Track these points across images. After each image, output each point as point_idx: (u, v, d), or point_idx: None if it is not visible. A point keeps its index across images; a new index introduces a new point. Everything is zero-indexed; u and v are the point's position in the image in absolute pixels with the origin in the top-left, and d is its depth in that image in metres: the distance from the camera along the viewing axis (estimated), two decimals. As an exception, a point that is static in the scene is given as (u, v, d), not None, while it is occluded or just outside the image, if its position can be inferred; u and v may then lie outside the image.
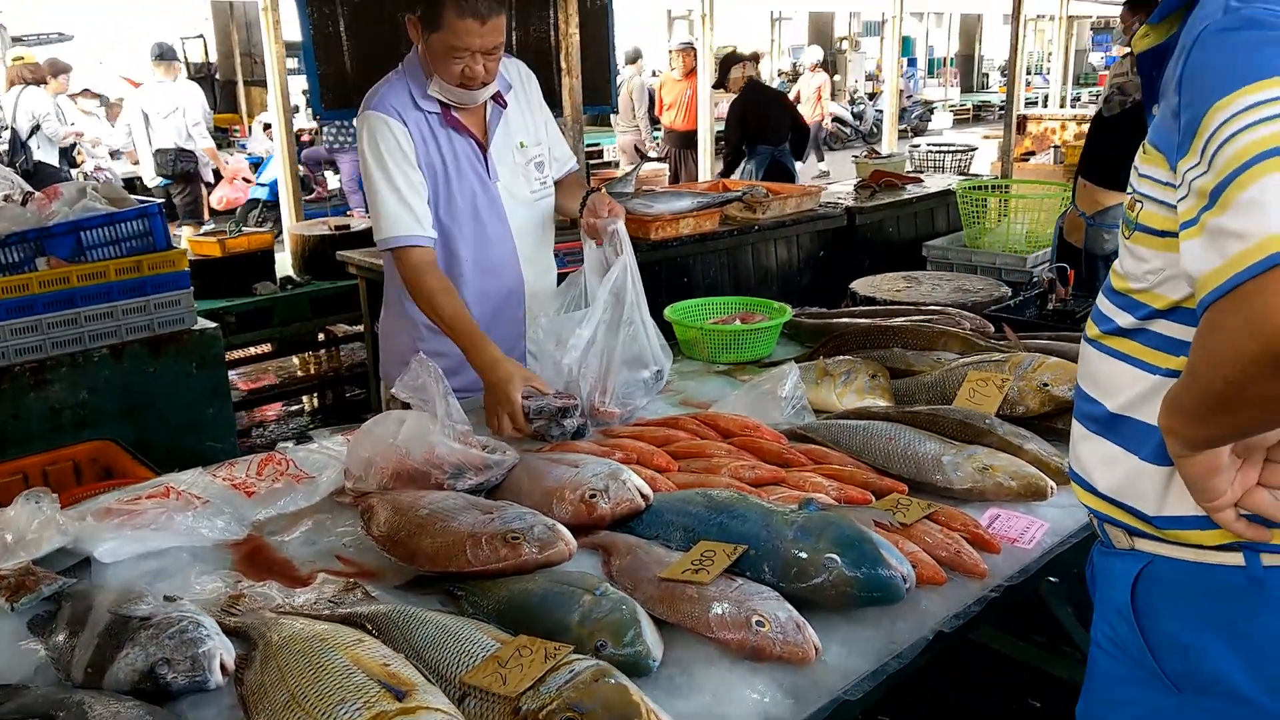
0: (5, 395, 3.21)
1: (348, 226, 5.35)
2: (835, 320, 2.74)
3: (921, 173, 6.92)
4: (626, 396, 2.21)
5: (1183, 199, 0.98)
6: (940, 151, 7.98)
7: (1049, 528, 1.64)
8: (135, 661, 1.25)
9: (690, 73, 8.77)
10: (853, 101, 19.21)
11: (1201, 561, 1.14)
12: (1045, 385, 1.97)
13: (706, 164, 8.50)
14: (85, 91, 8.72)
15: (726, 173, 7.56)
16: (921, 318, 2.61)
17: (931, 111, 20.41)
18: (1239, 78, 0.91)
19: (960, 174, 7.38)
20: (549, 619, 1.32)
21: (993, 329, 2.56)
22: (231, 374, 4.72)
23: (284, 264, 5.31)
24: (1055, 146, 8.53)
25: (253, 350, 5.45)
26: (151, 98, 7.95)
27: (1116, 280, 1.21)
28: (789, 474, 1.78)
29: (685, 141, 9.00)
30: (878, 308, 3.08)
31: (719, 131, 8.25)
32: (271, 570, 1.62)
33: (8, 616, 1.47)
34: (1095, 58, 25.86)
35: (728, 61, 7.59)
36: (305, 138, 9.87)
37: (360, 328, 4.99)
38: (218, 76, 14.79)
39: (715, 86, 8.41)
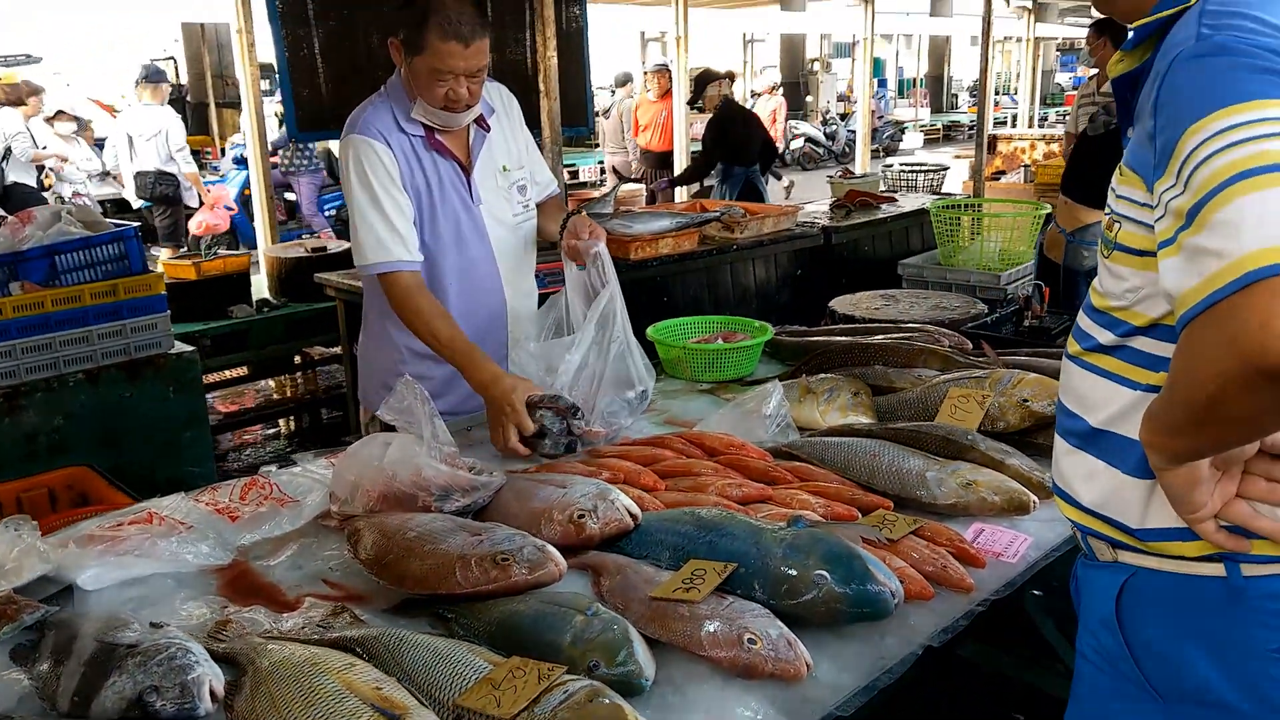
0: (-21, 422, 3.17)
1: (325, 248, 5.34)
2: (816, 339, 2.76)
3: (895, 192, 7.00)
4: (612, 416, 2.21)
5: (1160, 219, 1.00)
6: (913, 171, 8.07)
7: (1032, 541, 1.66)
8: (123, 690, 1.23)
9: (665, 94, 8.83)
10: (825, 122, 19.45)
11: (1183, 573, 1.16)
12: (1025, 401, 1.99)
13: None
14: (60, 114, 8.64)
15: (689, 180, 7.61)
16: (901, 335, 2.64)
17: (903, 131, 20.71)
18: (1214, 102, 0.94)
19: (933, 193, 7.47)
20: (541, 640, 1.32)
21: (971, 346, 2.59)
22: (208, 398, 4.68)
23: (259, 286, 5.29)
24: (1025, 166, 8.67)
25: (229, 373, 5.41)
26: (136, 120, 7.92)
27: (1096, 298, 1.23)
28: (776, 491, 1.79)
29: (661, 162, 9.05)
30: (857, 325, 3.11)
31: (694, 151, 8.30)
32: (258, 595, 1.60)
33: (-10, 646, 1.44)
34: (1063, 78, 26.36)
35: (703, 79, 7.63)
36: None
37: (338, 350, 4.97)
38: (189, 99, 14.73)
39: (690, 104, 8.47)
